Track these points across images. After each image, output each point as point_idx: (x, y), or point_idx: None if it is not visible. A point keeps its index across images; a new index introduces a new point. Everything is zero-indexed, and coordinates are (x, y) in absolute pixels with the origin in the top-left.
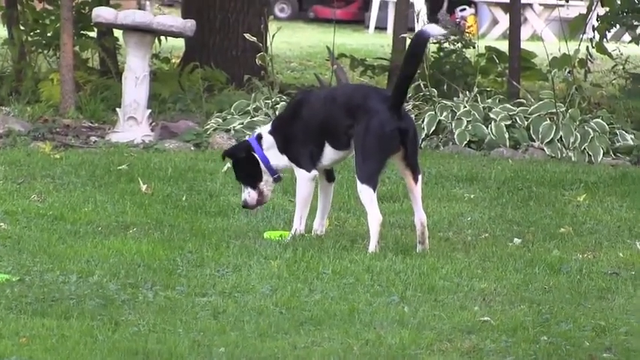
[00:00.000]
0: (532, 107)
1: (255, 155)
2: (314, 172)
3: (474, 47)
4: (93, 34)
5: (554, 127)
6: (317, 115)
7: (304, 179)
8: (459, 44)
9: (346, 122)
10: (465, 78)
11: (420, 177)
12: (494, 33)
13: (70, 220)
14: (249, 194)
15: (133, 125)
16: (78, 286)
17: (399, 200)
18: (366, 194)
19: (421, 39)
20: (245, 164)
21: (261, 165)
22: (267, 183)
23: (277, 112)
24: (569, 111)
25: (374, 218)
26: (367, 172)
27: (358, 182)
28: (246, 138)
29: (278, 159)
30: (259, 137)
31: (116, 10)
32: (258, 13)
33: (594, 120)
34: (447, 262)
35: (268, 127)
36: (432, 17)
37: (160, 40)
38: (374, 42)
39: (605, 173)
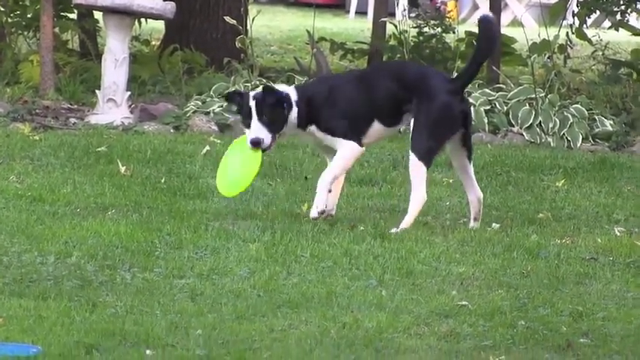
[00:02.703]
0: (511, 92)
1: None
2: (363, 148)
3: (453, 32)
4: (73, 15)
5: (534, 113)
6: (366, 91)
7: (355, 150)
8: (439, 29)
9: (403, 99)
10: (445, 63)
11: (472, 156)
12: (474, 18)
13: (49, 202)
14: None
15: (112, 107)
16: (56, 267)
17: (378, 184)
18: (420, 171)
19: (489, 23)
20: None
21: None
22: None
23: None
24: (549, 96)
25: (420, 197)
26: (427, 149)
27: (414, 158)
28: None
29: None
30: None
31: None
32: None
33: (573, 106)
34: (425, 247)
35: (294, 94)
36: (413, 2)
37: (139, 23)
38: (354, 26)
39: (583, 159)
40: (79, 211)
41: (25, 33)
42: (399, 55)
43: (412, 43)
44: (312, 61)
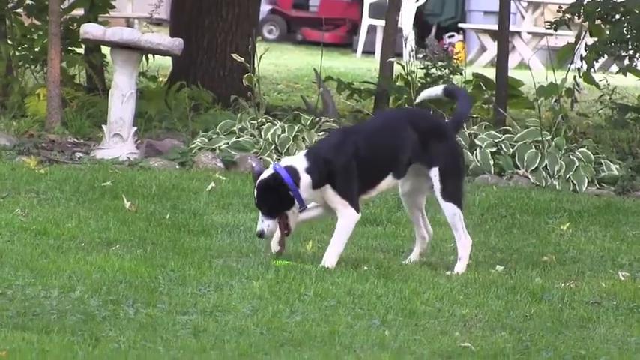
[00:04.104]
0: (518, 135)
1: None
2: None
3: (461, 74)
4: (81, 50)
5: (540, 156)
6: (384, 144)
7: (354, 220)
8: (447, 70)
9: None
10: (452, 104)
11: None
12: (481, 60)
13: (54, 235)
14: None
15: (118, 142)
16: (59, 301)
17: (382, 224)
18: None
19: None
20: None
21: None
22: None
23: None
24: (555, 140)
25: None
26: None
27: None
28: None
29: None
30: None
31: (104, 27)
32: (246, 34)
33: (580, 149)
34: (429, 287)
35: (303, 162)
36: (421, 43)
37: (147, 58)
38: (361, 66)
39: (589, 203)
40: (84, 246)
41: (33, 67)
42: (405, 96)
43: (419, 84)
44: (319, 100)
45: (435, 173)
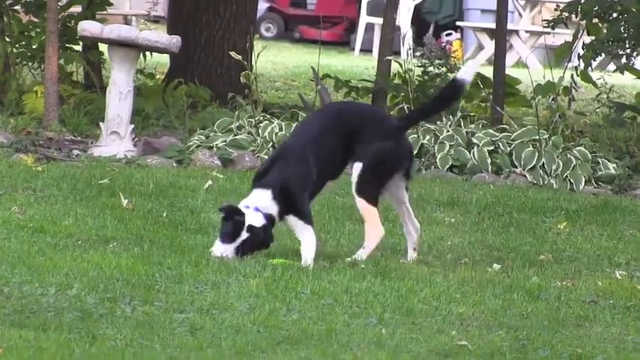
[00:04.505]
0: (515, 133)
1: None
2: None
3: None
4: (78, 47)
5: (537, 154)
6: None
7: (314, 236)
8: (444, 68)
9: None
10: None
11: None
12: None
13: (51, 233)
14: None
15: (115, 140)
16: (56, 298)
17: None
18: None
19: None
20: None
21: None
22: None
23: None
24: (552, 138)
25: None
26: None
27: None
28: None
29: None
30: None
31: (102, 25)
32: (244, 32)
33: (577, 148)
34: (425, 286)
35: (274, 206)
36: (418, 41)
37: (144, 56)
38: (359, 64)
39: (586, 201)
40: (81, 243)
41: (30, 64)
42: (403, 94)
43: (417, 82)
44: (317, 98)
45: (357, 167)
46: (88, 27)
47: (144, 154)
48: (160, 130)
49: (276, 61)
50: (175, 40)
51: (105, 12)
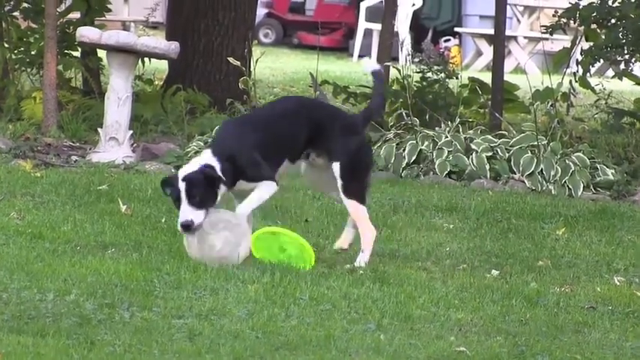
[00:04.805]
0: (514, 139)
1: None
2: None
3: (457, 78)
4: (77, 53)
5: (535, 160)
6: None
7: (272, 189)
8: (442, 74)
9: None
10: (448, 108)
11: None
12: (477, 64)
13: (49, 239)
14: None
15: (114, 146)
16: (55, 304)
17: (377, 228)
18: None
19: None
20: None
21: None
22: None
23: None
24: (551, 144)
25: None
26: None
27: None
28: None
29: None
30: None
31: (100, 30)
32: (242, 38)
33: (575, 154)
34: (424, 292)
35: (216, 163)
36: (416, 47)
37: (143, 62)
38: (357, 70)
39: (584, 207)
40: (79, 249)
41: (29, 70)
42: (401, 100)
43: (415, 88)
44: None
45: (336, 168)
46: (86, 33)
47: (142, 160)
48: (159, 136)
49: (274, 67)
50: (174, 46)
51: (103, 18)
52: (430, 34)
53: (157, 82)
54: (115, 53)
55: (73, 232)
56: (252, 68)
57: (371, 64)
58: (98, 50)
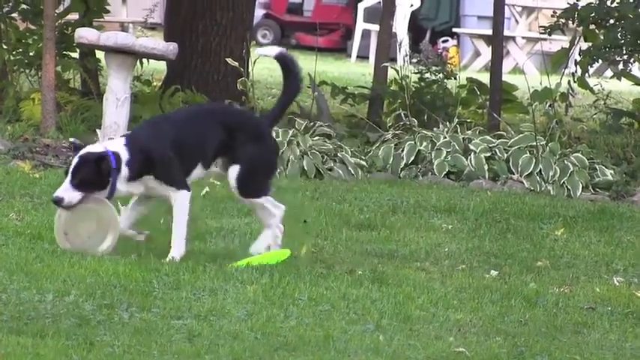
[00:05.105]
0: (512, 140)
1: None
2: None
3: (455, 78)
4: (75, 54)
5: (534, 161)
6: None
7: (187, 198)
8: (441, 75)
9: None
10: (446, 109)
11: None
12: (476, 65)
13: (48, 240)
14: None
15: None
16: (54, 305)
17: (377, 229)
18: None
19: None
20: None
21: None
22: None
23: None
24: (550, 145)
25: None
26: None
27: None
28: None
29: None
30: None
31: (99, 32)
32: (240, 38)
33: (574, 154)
34: (423, 292)
35: (125, 152)
36: (415, 47)
37: (141, 63)
38: (355, 70)
39: (583, 208)
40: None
41: (27, 71)
42: (399, 100)
43: (413, 89)
44: (313, 105)
45: (233, 171)
46: (85, 34)
47: None
48: None
49: (272, 67)
50: (172, 47)
51: (102, 19)
52: (428, 35)
53: (155, 83)
54: (113, 54)
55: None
56: (250, 69)
57: (268, 49)
58: (96, 51)
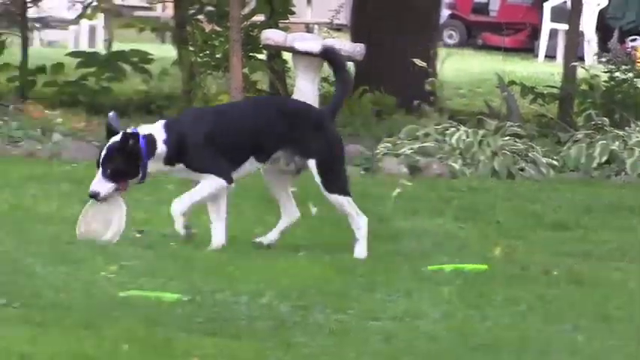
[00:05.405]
0: None
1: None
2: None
3: None
4: (262, 56)
5: None
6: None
7: (219, 185)
8: (631, 74)
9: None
10: (637, 108)
11: None
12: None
13: (241, 241)
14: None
15: None
16: (249, 306)
17: (571, 229)
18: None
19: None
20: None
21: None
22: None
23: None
24: None
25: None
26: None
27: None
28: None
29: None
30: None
31: (285, 33)
32: (427, 39)
33: None
34: (621, 293)
35: (162, 133)
36: (603, 46)
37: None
38: (543, 70)
39: None
40: (271, 252)
41: (215, 73)
42: (589, 100)
43: (603, 88)
44: (502, 105)
45: (312, 165)
46: (271, 35)
47: None
48: (346, 139)
49: (459, 68)
50: (359, 48)
51: (287, 20)
52: (616, 34)
53: None
54: (300, 56)
55: (264, 235)
56: (438, 70)
57: (310, 44)
58: (283, 53)
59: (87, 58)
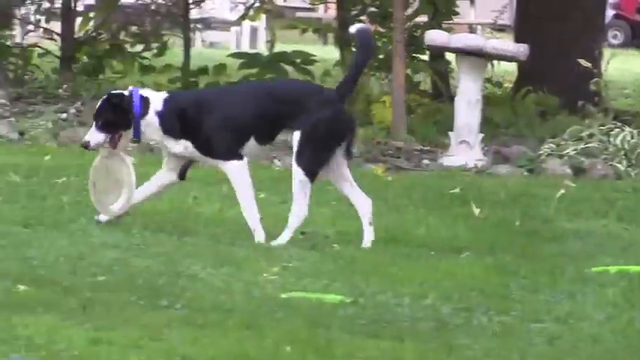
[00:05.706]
0: None
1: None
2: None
3: None
4: (424, 57)
5: None
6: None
7: (241, 168)
8: None
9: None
10: None
11: None
12: None
13: (403, 243)
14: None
15: (465, 149)
16: (411, 308)
17: None
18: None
19: (365, 32)
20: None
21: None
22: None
23: None
24: None
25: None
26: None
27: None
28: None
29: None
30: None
31: (448, 34)
32: (591, 39)
33: None
34: None
35: (159, 103)
36: None
37: (492, 64)
38: None
39: None
40: (433, 253)
41: (377, 74)
42: None
43: None
44: None
45: (296, 136)
46: (435, 36)
47: (494, 163)
48: (510, 139)
49: (624, 68)
50: (523, 49)
51: (450, 21)
52: None
53: (506, 85)
54: (464, 56)
55: (426, 236)
56: (602, 70)
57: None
58: (446, 53)
59: (249, 59)
